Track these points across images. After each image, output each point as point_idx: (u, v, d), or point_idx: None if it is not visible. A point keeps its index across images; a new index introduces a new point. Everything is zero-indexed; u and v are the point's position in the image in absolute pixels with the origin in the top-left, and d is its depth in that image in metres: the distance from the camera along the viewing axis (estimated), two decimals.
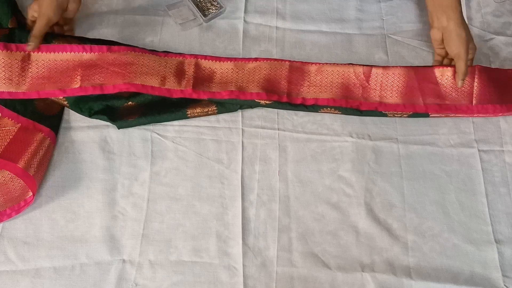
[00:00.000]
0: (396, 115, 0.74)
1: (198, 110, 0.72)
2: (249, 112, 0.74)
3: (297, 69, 0.75)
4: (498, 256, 0.66)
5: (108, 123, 0.71)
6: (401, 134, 0.74)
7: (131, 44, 0.75)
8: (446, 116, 0.74)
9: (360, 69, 0.75)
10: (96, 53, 0.71)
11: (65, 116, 0.72)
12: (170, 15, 0.80)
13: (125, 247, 0.65)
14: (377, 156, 0.72)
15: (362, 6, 0.84)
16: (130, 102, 0.72)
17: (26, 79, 0.69)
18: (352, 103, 0.73)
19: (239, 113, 0.74)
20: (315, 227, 0.67)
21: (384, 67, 0.75)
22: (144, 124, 0.71)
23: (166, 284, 0.63)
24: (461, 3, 0.84)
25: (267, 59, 0.75)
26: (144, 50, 0.73)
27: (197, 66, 0.74)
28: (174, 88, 0.71)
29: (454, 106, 0.73)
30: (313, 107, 0.73)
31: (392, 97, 0.74)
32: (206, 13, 0.80)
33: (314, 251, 0.66)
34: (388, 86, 0.74)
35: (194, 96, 0.71)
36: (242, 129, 0.73)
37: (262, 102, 0.72)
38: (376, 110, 0.73)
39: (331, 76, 0.75)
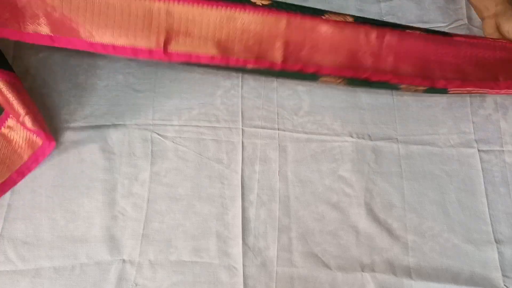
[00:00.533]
0: (410, 89, 0.67)
1: None
2: (249, 112, 0.74)
3: (298, 26, 0.60)
4: (498, 256, 0.66)
5: (109, 123, 0.71)
6: (401, 134, 0.74)
7: None
8: (468, 93, 0.70)
9: (373, 34, 0.62)
10: None
11: (65, 116, 0.72)
12: None
13: (125, 247, 0.65)
14: (377, 156, 0.72)
15: (362, 6, 0.84)
16: None
17: None
18: (361, 74, 0.64)
19: (239, 113, 0.74)
20: (315, 227, 0.67)
21: (399, 33, 0.64)
22: None
23: (166, 284, 0.63)
24: (462, 3, 0.85)
25: (259, 9, 0.58)
26: None
27: (169, 14, 0.57)
28: (142, 46, 0.58)
29: (479, 82, 0.67)
30: (313, 75, 0.63)
31: (407, 69, 0.65)
32: None
33: (314, 251, 0.66)
34: (402, 56, 0.64)
35: (166, 59, 0.59)
36: (242, 129, 0.73)
37: (249, 67, 0.62)
38: (389, 82, 0.65)
39: (338, 38, 0.61)
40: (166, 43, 0.58)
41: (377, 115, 0.75)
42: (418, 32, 0.66)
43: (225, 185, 0.69)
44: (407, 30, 0.65)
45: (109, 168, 0.69)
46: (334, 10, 0.83)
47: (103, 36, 0.57)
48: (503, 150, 0.73)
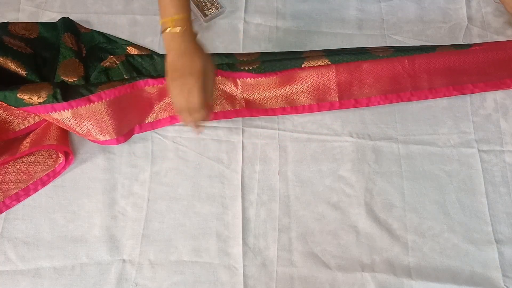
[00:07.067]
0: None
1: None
2: None
3: (344, 69, 0.73)
4: (498, 256, 0.66)
5: None
6: (401, 134, 0.74)
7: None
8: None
9: (405, 60, 0.74)
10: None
11: None
12: None
13: (125, 247, 0.65)
14: (377, 156, 0.72)
15: (362, 6, 0.84)
16: None
17: None
18: (403, 97, 0.74)
19: None
20: (315, 227, 0.67)
21: (426, 55, 0.75)
22: None
23: (166, 284, 0.63)
24: (462, 3, 0.85)
25: (313, 67, 0.73)
26: None
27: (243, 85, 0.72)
28: (228, 109, 0.72)
29: (498, 81, 0.76)
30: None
31: (440, 81, 0.75)
32: (206, 13, 0.80)
33: (314, 251, 0.66)
34: (433, 71, 0.75)
35: (248, 115, 0.73)
36: (242, 129, 0.73)
37: (315, 110, 0.74)
38: (427, 99, 0.75)
39: (378, 69, 0.74)
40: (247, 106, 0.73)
41: (377, 115, 0.75)
42: (440, 50, 0.76)
43: (225, 185, 0.69)
44: (431, 52, 0.75)
45: (109, 168, 0.69)
46: (334, 10, 0.83)
47: None
48: (503, 150, 0.73)
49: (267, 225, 0.67)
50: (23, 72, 0.68)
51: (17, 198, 0.66)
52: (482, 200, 0.70)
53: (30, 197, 0.67)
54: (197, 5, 0.80)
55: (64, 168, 0.68)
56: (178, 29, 0.58)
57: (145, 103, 0.70)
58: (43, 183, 0.67)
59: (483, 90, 0.76)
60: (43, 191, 0.67)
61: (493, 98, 0.77)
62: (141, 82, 0.68)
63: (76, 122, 0.65)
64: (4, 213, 0.66)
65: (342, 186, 0.70)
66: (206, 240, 0.66)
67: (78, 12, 0.79)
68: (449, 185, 0.70)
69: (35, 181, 0.67)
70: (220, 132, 0.72)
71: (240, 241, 0.65)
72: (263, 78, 0.72)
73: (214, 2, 0.80)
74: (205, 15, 0.79)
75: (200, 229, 0.66)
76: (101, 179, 0.68)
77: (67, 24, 0.76)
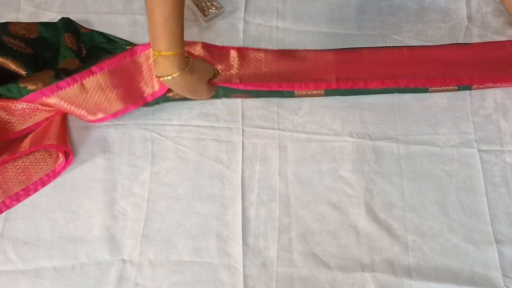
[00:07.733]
0: (437, 90, 0.76)
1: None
2: (249, 112, 0.74)
3: (343, 54, 0.76)
4: (498, 256, 0.66)
5: (109, 123, 0.71)
6: (401, 134, 0.74)
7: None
8: (487, 88, 0.77)
9: (404, 49, 0.77)
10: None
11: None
12: None
13: (125, 247, 0.65)
14: (377, 156, 0.72)
15: (362, 6, 0.84)
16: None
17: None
18: (400, 83, 0.74)
19: (239, 113, 0.74)
20: (315, 227, 0.67)
21: (425, 46, 0.78)
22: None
23: (166, 284, 0.63)
24: (462, 3, 0.85)
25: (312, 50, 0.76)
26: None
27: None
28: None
29: (494, 77, 0.76)
30: (362, 90, 0.75)
31: (437, 72, 0.75)
32: (206, 13, 0.80)
33: (314, 251, 0.66)
34: (431, 61, 0.76)
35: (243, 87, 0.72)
36: (242, 129, 0.73)
37: (311, 88, 0.74)
38: (424, 87, 0.75)
39: (378, 56, 0.76)
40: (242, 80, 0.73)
41: (377, 115, 0.75)
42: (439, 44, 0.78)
43: (225, 185, 0.69)
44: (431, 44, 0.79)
45: (109, 168, 0.69)
46: (334, 10, 0.84)
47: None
48: (503, 150, 0.73)
49: (267, 225, 0.67)
50: (23, 72, 0.69)
51: (17, 198, 0.66)
52: (482, 200, 0.70)
53: (30, 197, 0.67)
54: (197, 5, 0.80)
55: (64, 168, 0.68)
56: (176, 74, 0.62)
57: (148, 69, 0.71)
58: (43, 183, 0.67)
59: (481, 83, 0.75)
60: (43, 191, 0.67)
61: (493, 98, 0.77)
62: (138, 48, 0.69)
63: (83, 97, 0.66)
64: (4, 213, 0.66)
65: (342, 186, 0.70)
66: (206, 240, 0.66)
67: (78, 12, 0.80)
68: (449, 185, 0.70)
69: (35, 181, 0.67)
70: (220, 132, 0.72)
71: (240, 241, 0.65)
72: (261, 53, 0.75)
73: (214, 2, 0.80)
74: (205, 15, 0.79)
75: (200, 229, 0.66)
76: (101, 179, 0.68)
77: (67, 24, 0.76)
